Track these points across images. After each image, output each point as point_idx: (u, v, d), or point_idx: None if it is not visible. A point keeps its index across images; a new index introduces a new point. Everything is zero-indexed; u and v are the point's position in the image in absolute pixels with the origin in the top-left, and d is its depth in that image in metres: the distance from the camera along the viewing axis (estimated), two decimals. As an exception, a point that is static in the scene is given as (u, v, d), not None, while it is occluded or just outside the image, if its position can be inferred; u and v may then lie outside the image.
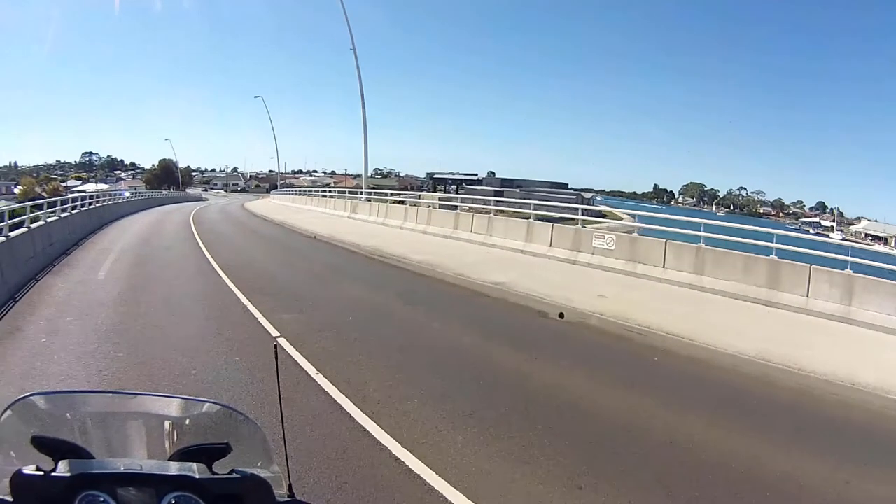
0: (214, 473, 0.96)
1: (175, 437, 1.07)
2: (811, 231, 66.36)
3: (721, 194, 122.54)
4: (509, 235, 13.60)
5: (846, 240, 44.76)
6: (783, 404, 4.98)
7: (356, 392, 4.58)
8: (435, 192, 64.76)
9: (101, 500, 0.90)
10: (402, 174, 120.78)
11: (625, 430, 4.16)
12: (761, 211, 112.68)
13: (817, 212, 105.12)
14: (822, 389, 5.24)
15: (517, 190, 56.66)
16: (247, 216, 28.10)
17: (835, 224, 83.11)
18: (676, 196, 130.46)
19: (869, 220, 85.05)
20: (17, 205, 16.42)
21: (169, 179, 77.86)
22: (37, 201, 13.77)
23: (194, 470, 0.95)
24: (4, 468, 0.94)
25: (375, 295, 8.90)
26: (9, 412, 1.00)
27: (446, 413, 4.26)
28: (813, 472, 3.71)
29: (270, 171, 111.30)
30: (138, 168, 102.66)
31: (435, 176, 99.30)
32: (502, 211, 17.01)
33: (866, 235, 72.86)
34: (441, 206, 20.54)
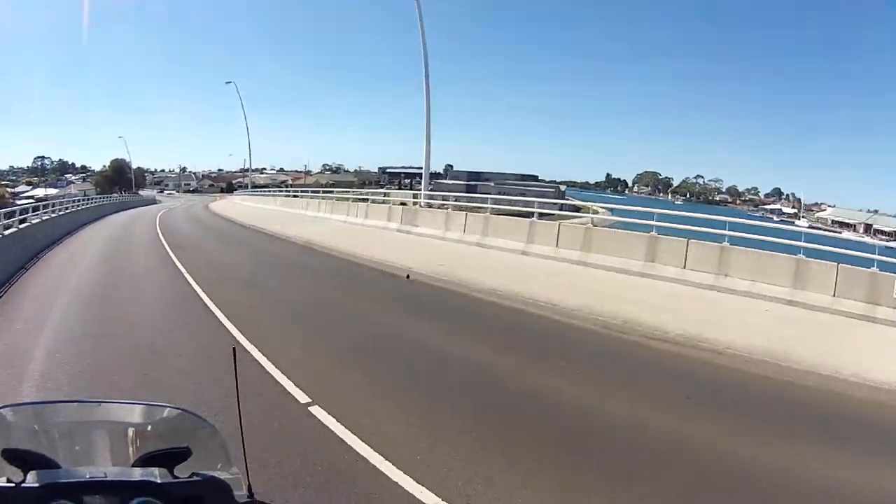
0: (176, 477, 1.00)
1: (138, 444, 1.13)
2: (775, 219, 63.49)
3: (676, 183, 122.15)
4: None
5: (826, 229, 43.08)
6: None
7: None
8: (401, 188, 61.83)
9: None
10: (351, 169, 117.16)
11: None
12: (718, 199, 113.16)
13: (773, 198, 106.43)
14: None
15: (491, 184, 56.27)
16: (251, 235, 19.77)
17: (799, 211, 79.98)
18: (630, 185, 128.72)
19: (830, 206, 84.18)
20: None
21: (121, 181, 73.28)
22: None
23: (156, 475, 0.99)
24: None
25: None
26: None
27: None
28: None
29: (220, 169, 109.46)
30: (89, 171, 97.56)
31: (388, 170, 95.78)
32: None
33: (833, 222, 71.39)
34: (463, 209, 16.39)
